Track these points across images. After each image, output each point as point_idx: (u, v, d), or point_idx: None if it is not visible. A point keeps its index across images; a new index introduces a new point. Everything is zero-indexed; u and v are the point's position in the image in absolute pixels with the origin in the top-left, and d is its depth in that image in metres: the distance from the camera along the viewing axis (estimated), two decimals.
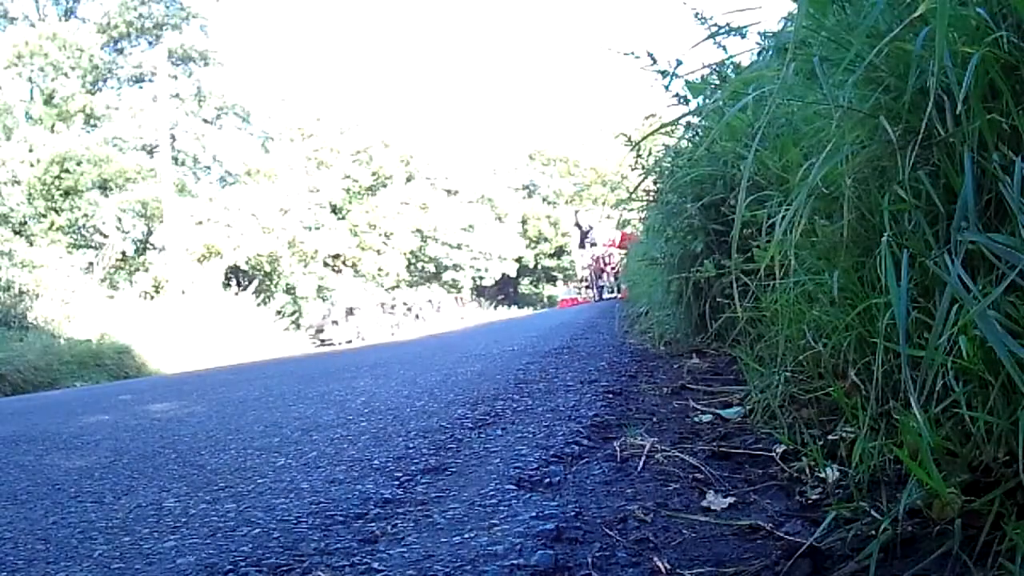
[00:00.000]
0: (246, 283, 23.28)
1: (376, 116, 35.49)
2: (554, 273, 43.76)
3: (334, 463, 1.99)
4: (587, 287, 18.85)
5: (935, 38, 1.04)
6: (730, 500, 1.39)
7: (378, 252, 32.02)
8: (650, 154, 4.42)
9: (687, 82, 3.31)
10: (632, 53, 3.46)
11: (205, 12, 26.61)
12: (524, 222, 42.09)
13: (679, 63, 3.40)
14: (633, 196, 4.90)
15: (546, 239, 42.91)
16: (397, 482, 1.73)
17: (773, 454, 1.58)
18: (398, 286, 32.43)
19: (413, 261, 34.26)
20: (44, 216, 21.52)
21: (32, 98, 23.75)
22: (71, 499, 1.90)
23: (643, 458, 1.70)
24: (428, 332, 16.44)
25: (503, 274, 38.33)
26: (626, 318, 6.13)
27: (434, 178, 36.33)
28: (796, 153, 1.85)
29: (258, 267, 25.52)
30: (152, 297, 19.78)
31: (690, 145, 3.51)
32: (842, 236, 1.45)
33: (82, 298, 15.77)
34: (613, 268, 16.08)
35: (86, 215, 22.36)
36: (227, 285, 22.35)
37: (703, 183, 3.08)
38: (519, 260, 39.77)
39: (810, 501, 1.30)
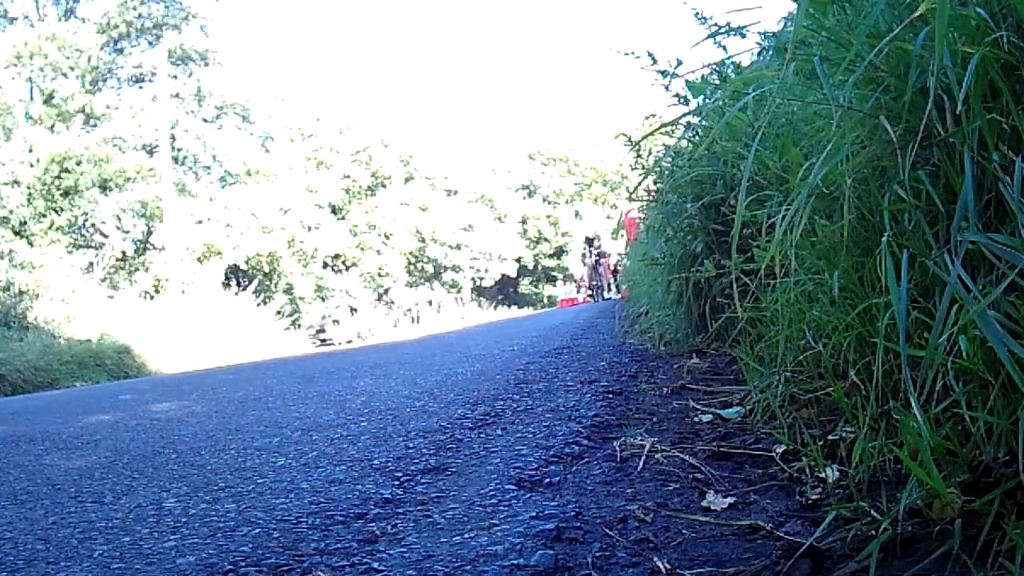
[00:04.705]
0: (246, 283, 23.26)
1: (376, 116, 35.56)
2: (554, 273, 43.73)
3: (334, 463, 1.99)
4: (586, 287, 18.86)
5: (935, 38, 1.03)
6: (730, 500, 1.39)
7: (378, 252, 32.00)
8: (650, 154, 4.42)
9: (687, 82, 3.32)
10: (632, 53, 3.47)
11: (205, 12, 26.61)
12: (524, 222, 42.06)
13: (679, 63, 3.41)
14: (633, 196, 4.90)
15: (546, 239, 42.88)
16: (397, 482, 1.73)
17: (773, 454, 1.58)
18: (395, 284, 32.42)
19: (413, 262, 34.25)
20: (44, 216, 21.50)
21: (32, 98, 23.73)
22: (71, 499, 1.90)
23: (643, 458, 1.70)
24: (428, 332, 16.43)
25: (503, 274, 38.30)
26: (626, 318, 6.13)
27: (433, 178, 36.33)
28: (796, 153, 1.85)
29: (258, 267, 25.51)
30: (152, 297, 19.75)
31: (690, 145, 3.51)
32: (842, 236, 1.45)
33: (82, 298, 15.74)
34: (611, 268, 16.13)
35: (86, 215, 22.35)
36: (227, 285, 22.34)
37: (703, 183, 3.08)
38: (519, 260, 39.74)
39: (810, 501, 1.30)
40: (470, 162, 38.89)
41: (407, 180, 34.95)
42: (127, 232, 23.80)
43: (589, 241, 17.67)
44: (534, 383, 3.10)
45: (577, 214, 42.14)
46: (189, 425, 3.01)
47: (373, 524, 1.43)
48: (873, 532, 1.04)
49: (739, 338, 2.44)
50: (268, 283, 25.48)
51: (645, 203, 4.77)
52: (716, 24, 3.01)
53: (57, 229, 21.56)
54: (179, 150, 26.75)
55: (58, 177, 21.52)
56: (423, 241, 34.17)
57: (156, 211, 22.72)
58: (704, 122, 3.19)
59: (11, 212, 20.63)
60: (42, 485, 2.11)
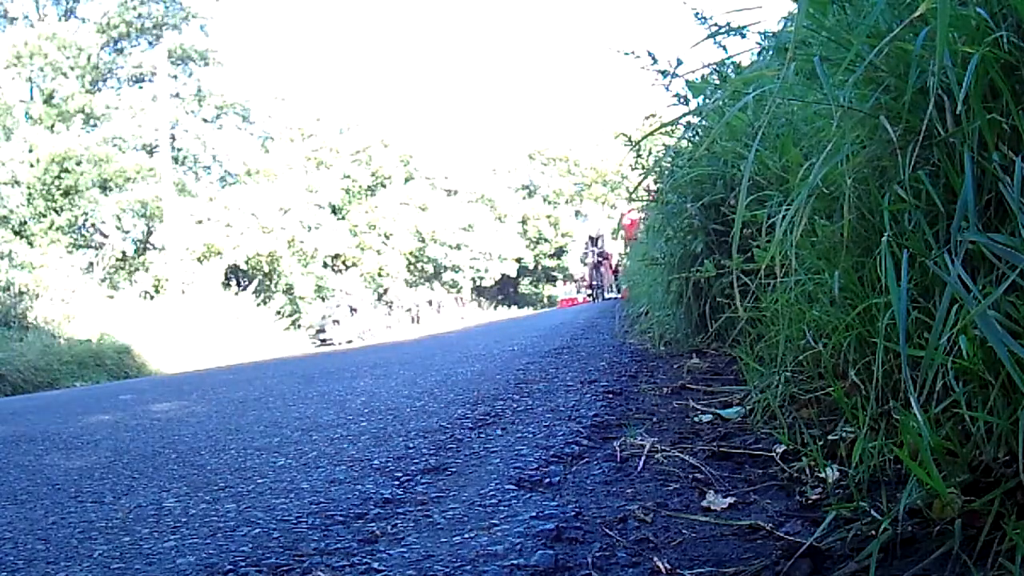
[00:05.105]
0: (246, 283, 23.28)
1: (376, 116, 35.62)
2: (554, 273, 43.74)
3: (334, 463, 1.99)
4: (587, 286, 18.95)
5: (935, 38, 1.03)
6: (730, 500, 1.39)
7: (378, 252, 32.01)
8: (650, 154, 4.42)
9: (687, 82, 3.32)
10: (632, 53, 3.47)
11: (205, 12, 26.62)
12: (524, 222, 42.07)
13: (679, 63, 3.41)
14: (633, 196, 4.91)
15: (546, 239, 42.88)
16: (397, 482, 1.73)
17: (773, 454, 1.58)
18: (395, 284, 32.42)
19: (413, 262, 34.25)
20: (44, 216, 21.50)
21: (32, 98, 23.74)
22: (71, 499, 1.90)
23: (643, 458, 1.70)
24: (428, 332, 16.44)
25: (503, 274, 38.31)
26: (626, 318, 6.14)
27: (433, 178, 36.34)
28: (796, 153, 1.85)
29: (258, 267, 25.52)
30: (152, 297, 19.76)
31: (690, 145, 3.51)
32: (842, 236, 1.45)
33: (82, 298, 15.75)
34: (612, 268, 16.17)
35: (86, 215, 22.36)
36: (227, 285, 22.35)
37: (703, 183, 3.08)
38: (519, 260, 39.75)
39: (810, 501, 1.30)
40: (470, 162, 38.91)
41: (407, 180, 34.95)
42: (127, 232, 23.83)
43: (593, 240, 17.74)
44: (534, 383, 3.10)
45: (578, 214, 42.18)
46: (189, 425, 3.00)
47: (373, 524, 1.43)
48: (873, 532, 1.04)
49: (739, 338, 2.44)
50: (268, 283, 25.49)
51: (645, 203, 4.77)
52: (716, 24, 3.01)
53: (57, 229, 21.56)
54: (179, 150, 26.77)
55: (58, 177, 21.52)
56: (423, 241, 34.17)
57: (156, 211, 22.74)
58: (704, 122, 3.19)
59: (11, 212, 20.63)
60: (42, 485, 2.11)
